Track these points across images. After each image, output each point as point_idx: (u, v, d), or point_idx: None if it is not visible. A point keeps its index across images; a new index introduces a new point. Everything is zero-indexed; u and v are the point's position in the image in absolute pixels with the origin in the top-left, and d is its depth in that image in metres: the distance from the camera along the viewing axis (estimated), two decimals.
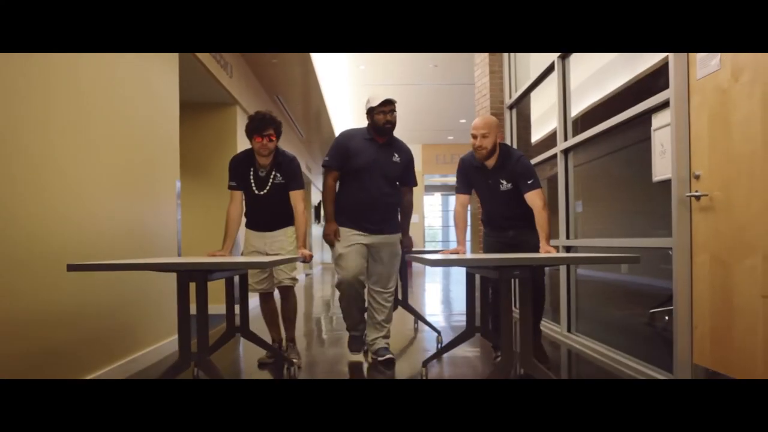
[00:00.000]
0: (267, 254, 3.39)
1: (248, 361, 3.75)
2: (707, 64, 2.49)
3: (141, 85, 3.55)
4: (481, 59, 5.84)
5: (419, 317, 4.73)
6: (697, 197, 2.57)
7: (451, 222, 22.16)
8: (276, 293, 3.57)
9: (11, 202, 2.32)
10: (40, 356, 2.47)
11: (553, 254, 2.82)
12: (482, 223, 3.48)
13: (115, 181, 3.19)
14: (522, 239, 3.21)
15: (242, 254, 3.57)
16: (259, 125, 3.24)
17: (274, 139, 3.28)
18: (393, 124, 3.36)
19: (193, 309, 2.51)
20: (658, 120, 2.92)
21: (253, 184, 3.36)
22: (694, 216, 2.62)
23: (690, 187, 2.63)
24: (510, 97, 5.54)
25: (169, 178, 3.95)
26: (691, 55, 2.61)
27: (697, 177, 2.57)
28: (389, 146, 3.43)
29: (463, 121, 12.06)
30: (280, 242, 3.40)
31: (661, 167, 2.88)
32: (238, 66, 5.77)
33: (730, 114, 2.37)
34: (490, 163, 3.20)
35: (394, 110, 3.36)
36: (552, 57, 4.29)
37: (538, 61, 4.76)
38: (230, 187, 3.40)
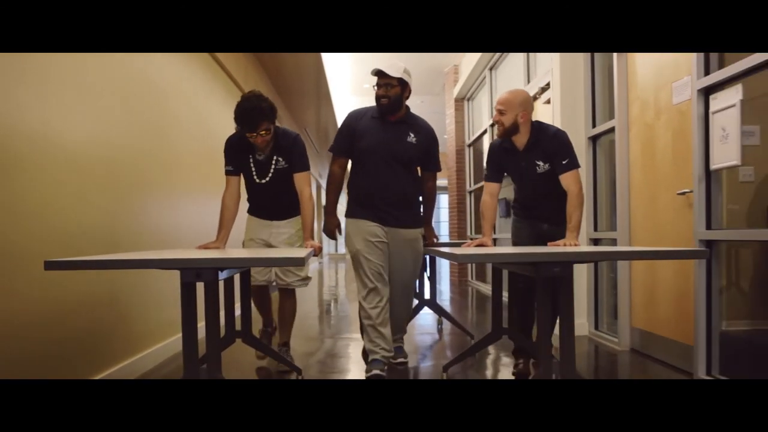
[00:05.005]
0: (270, 246, 3.07)
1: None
2: None
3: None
4: (450, 112, 8.58)
5: (451, 319, 4.30)
6: None
7: (443, 218, 24.68)
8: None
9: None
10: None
11: (600, 249, 2.59)
12: (513, 211, 3.15)
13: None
14: (557, 236, 2.86)
15: (243, 243, 3.19)
16: (248, 124, 2.76)
17: (270, 131, 2.83)
18: (389, 100, 2.95)
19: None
20: None
21: (254, 172, 2.98)
22: None
23: None
24: (469, 138, 8.29)
25: None
26: None
27: None
28: (403, 125, 3.05)
29: (446, 136, 14.92)
30: (287, 235, 3.07)
31: None
32: (286, 117, 8.52)
33: None
34: (521, 142, 2.87)
35: (390, 84, 2.95)
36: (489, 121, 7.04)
37: (485, 120, 7.51)
38: (227, 172, 2.98)
